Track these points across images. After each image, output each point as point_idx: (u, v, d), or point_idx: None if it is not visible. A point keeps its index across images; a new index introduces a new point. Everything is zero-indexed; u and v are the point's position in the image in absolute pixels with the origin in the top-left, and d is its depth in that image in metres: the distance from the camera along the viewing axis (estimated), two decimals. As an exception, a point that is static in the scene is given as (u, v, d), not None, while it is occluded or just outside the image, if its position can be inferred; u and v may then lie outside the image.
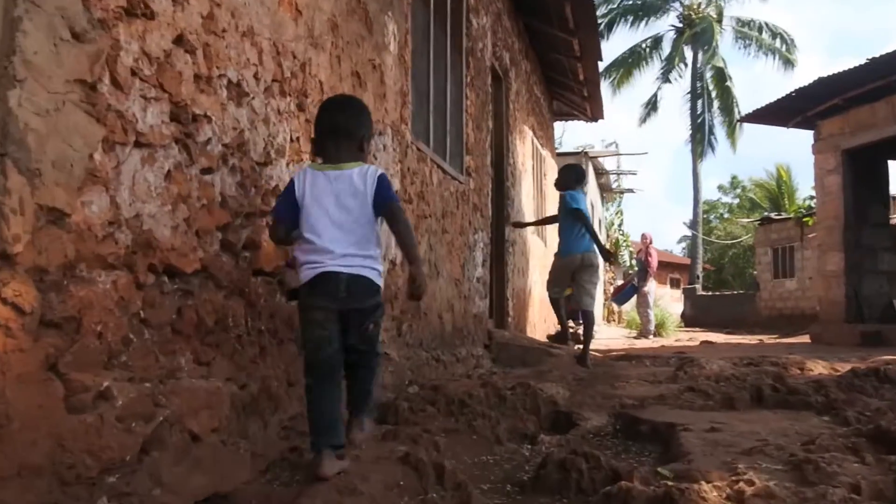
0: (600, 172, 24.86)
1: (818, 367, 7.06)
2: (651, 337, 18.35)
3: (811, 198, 19.59)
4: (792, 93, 13.78)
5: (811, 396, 4.85)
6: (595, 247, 8.37)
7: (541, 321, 12.55)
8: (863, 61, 12.21)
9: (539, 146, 12.92)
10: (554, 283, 8.55)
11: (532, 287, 11.51)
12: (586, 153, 21.48)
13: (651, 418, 4.29)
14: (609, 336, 20.71)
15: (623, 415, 4.49)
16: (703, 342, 15.20)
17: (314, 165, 3.07)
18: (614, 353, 10.65)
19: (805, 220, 20.13)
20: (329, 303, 2.90)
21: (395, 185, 5.07)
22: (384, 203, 2.97)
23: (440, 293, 6.22)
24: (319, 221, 2.92)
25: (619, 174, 27.18)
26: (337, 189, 2.94)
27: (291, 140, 3.51)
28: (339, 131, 3.08)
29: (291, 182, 3.01)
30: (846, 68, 12.56)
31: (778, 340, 16.72)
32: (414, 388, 4.81)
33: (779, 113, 14.87)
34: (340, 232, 2.91)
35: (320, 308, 2.91)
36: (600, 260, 8.45)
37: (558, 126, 22.56)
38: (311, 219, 2.92)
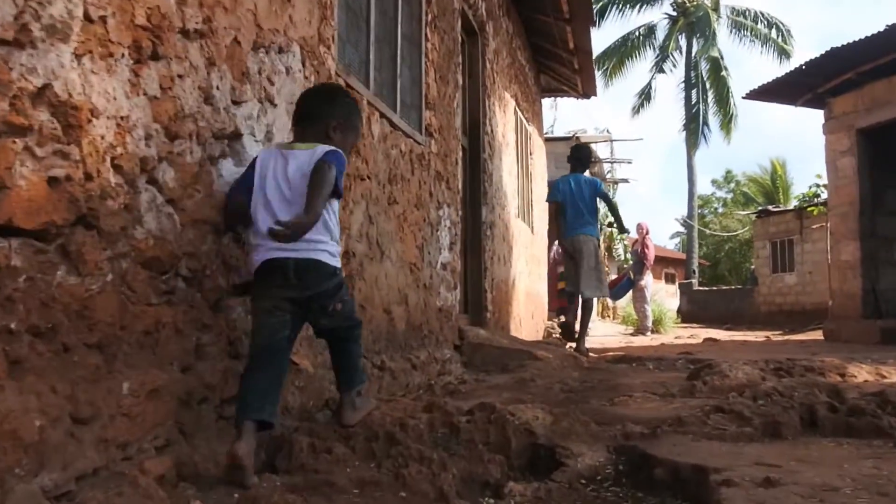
0: (593, 161, 23.45)
1: (862, 374, 5.73)
2: (649, 334, 17.10)
3: (816, 185, 18.19)
4: (801, 66, 12.43)
5: (881, 418, 3.51)
6: (583, 229, 8.56)
7: (527, 317, 11.17)
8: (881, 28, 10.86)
9: (524, 120, 11.52)
10: (566, 276, 8.91)
11: (517, 278, 10.13)
12: (578, 138, 20.07)
13: (670, 457, 2.91)
14: (605, 333, 19.39)
15: (628, 449, 3.12)
16: (706, 340, 13.85)
17: (279, 144, 3.08)
18: (611, 354, 9.30)
19: (809, 209, 18.70)
20: (280, 291, 2.77)
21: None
22: (317, 163, 2.76)
23: (386, 280, 4.84)
24: (267, 203, 2.78)
25: (613, 162, 25.82)
26: (288, 169, 2.82)
27: (87, 18, 2.11)
28: (305, 115, 3.06)
29: (254, 160, 2.90)
30: (860, 37, 11.18)
31: (786, 338, 15.37)
32: (326, 413, 3.41)
33: (786, 89, 13.50)
34: (287, 215, 2.71)
35: (269, 297, 2.78)
36: (592, 242, 8.60)
37: (548, 114, 21.25)
38: (258, 200, 2.80)
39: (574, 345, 8.74)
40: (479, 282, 8.01)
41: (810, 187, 18.36)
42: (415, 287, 5.44)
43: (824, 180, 18.06)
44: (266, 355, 2.72)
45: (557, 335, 12.61)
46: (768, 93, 13.82)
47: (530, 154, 12.08)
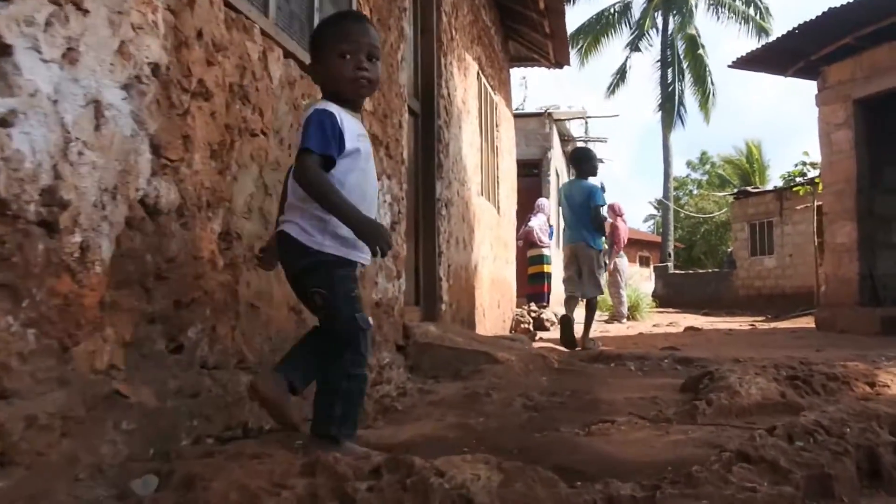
0: (566, 139, 22.29)
1: None
2: (624, 321, 16.07)
3: (803, 164, 17.12)
4: (794, 29, 11.35)
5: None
6: (579, 238, 8.70)
7: (492, 306, 10.06)
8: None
9: (489, 88, 10.34)
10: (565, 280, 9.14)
11: (479, 263, 9.00)
12: (550, 114, 18.94)
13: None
14: (578, 320, 18.29)
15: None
16: (687, 329, 12.80)
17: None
18: (586, 350, 8.22)
19: (795, 189, 17.61)
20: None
21: (150, 45, 2.55)
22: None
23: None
24: None
25: (587, 141, 24.72)
26: None
27: None
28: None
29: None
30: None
31: (773, 325, 14.35)
32: (150, 480, 2.22)
33: (775, 57, 12.42)
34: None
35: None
36: (588, 252, 8.70)
37: (518, 91, 20.23)
38: None
39: (580, 347, 8.48)
40: (432, 268, 6.88)
41: (796, 165, 17.28)
42: (339, 277, 4.31)
43: (812, 157, 17.15)
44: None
45: (527, 325, 11.52)
46: (756, 61, 12.75)
47: (496, 126, 10.90)
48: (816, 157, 16.48)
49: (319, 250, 2.55)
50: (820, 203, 18.29)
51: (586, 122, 24.81)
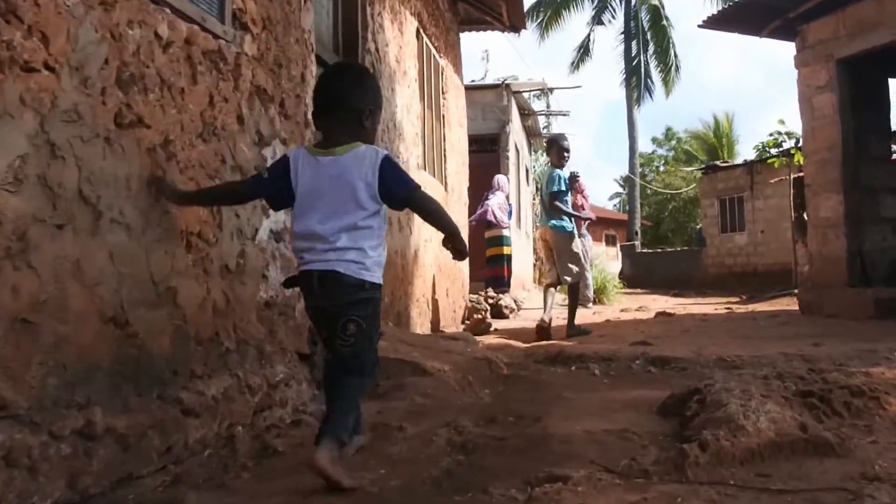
0: (526, 113, 21.11)
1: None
2: (590, 305, 14.91)
3: (779, 133, 16.05)
4: (770, -19, 10.28)
5: None
6: (549, 221, 8.70)
7: (441, 295, 8.93)
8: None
9: (432, 49, 9.15)
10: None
11: (422, 247, 7.85)
12: (508, 86, 17.77)
13: None
14: (539, 305, 17.23)
15: None
16: (658, 314, 11.74)
17: (308, 147, 2.86)
18: (543, 345, 7.13)
19: (770, 161, 16.53)
20: (311, 301, 2.80)
21: None
22: (399, 197, 2.76)
23: (114, 266, 2.62)
24: (308, 213, 2.71)
25: (549, 114, 23.60)
26: (328, 176, 2.71)
27: None
28: (335, 104, 2.84)
29: (285, 160, 2.82)
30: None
31: (751, 308, 13.32)
32: None
33: (749, 15, 11.30)
34: (328, 224, 2.68)
35: (309, 307, 2.86)
36: (559, 236, 8.64)
37: (479, 65, 19.15)
38: (300, 209, 2.74)
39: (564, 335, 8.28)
40: (358, 255, 5.75)
41: (771, 135, 16.16)
42: (196, 273, 3.15)
43: (787, 126, 16.14)
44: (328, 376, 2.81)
45: (482, 314, 10.38)
46: (727, 20, 11.66)
47: (443, 93, 9.69)
48: (792, 126, 15.54)
49: (377, 284, 2.75)
50: (798, 175, 17.36)
51: (548, 97, 23.69)
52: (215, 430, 3.15)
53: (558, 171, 8.75)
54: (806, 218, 16.00)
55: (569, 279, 8.67)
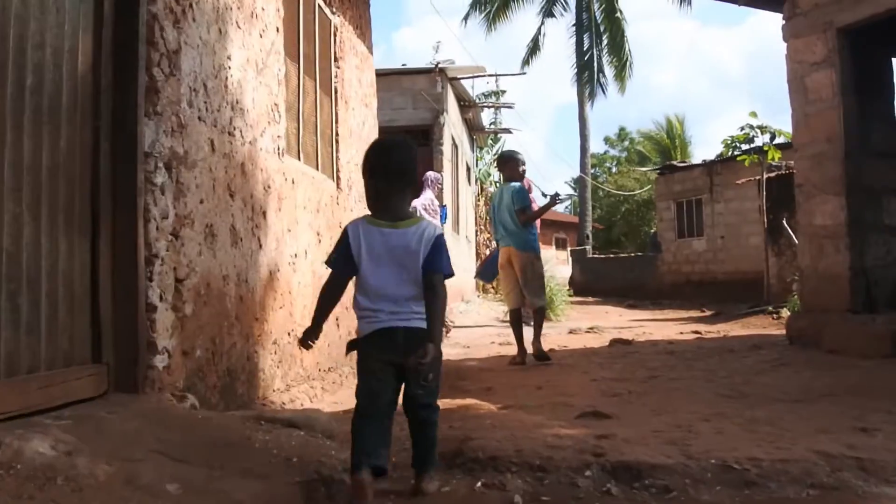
0: (466, 104, 18.89)
1: None
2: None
3: (750, 127, 13.95)
4: (754, -62, 8.17)
5: None
6: (510, 241, 8.47)
7: (331, 325, 6.68)
8: None
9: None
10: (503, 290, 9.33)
11: (287, 267, 5.56)
12: (442, 70, 15.54)
13: None
14: (477, 321, 15.05)
15: None
16: (613, 342, 9.58)
17: (368, 219, 3.01)
18: (467, 384, 4.97)
19: (741, 159, 14.38)
20: (387, 355, 2.90)
21: None
22: (429, 270, 2.95)
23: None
24: (376, 277, 2.93)
25: (493, 107, 21.44)
26: (392, 246, 2.94)
27: None
28: (397, 173, 3.02)
29: (346, 235, 3.00)
30: None
31: (723, 331, 11.13)
32: None
33: (727, -20, 9.26)
34: (396, 288, 2.93)
35: (378, 360, 2.92)
36: (522, 257, 8.42)
37: (428, 53, 17.01)
38: (368, 274, 2.95)
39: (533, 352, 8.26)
40: (133, 287, 3.48)
41: (742, 129, 14.06)
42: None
43: (759, 120, 14.14)
44: (378, 421, 2.88)
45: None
46: (700, -16, 9.57)
47: (336, 60, 7.34)
48: (765, 118, 13.53)
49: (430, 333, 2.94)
50: (770, 174, 15.37)
51: (499, 96, 21.56)
52: None
53: (518, 183, 8.60)
54: (786, 225, 13.91)
55: (539, 302, 8.50)
